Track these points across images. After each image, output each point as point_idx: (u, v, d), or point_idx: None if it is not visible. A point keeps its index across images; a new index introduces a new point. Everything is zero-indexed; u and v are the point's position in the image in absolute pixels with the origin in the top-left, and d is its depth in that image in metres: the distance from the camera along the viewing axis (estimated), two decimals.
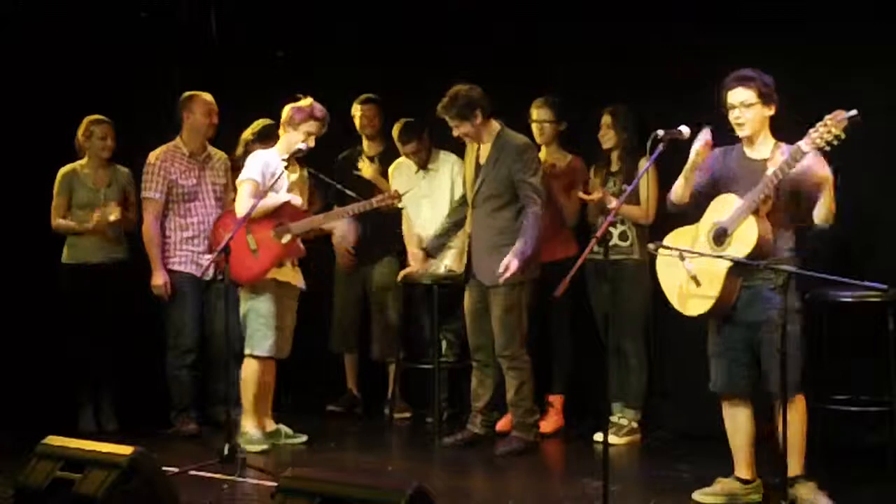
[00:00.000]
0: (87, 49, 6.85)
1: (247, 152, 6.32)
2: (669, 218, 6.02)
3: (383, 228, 6.93)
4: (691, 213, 4.88)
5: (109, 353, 6.62)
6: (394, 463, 5.99)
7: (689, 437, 6.14)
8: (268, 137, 6.56)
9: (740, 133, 4.75)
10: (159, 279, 6.40)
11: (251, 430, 6.03)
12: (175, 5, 7.08)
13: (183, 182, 6.46)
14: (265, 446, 5.91)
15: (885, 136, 5.42)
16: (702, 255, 4.77)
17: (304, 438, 6.25)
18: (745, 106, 4.68)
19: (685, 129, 4.58)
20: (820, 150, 4.35)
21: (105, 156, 6.61)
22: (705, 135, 4.69)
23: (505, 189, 5.89)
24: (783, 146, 4.60)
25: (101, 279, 6.53)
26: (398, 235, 6.89)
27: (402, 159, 6.83)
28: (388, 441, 6.70)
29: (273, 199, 5.94)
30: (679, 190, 4.83)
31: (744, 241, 4.59)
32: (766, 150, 4.70)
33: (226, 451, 5.44)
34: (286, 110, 6.09)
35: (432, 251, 6.40)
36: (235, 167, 6.41)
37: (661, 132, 4.54)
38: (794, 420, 4.64)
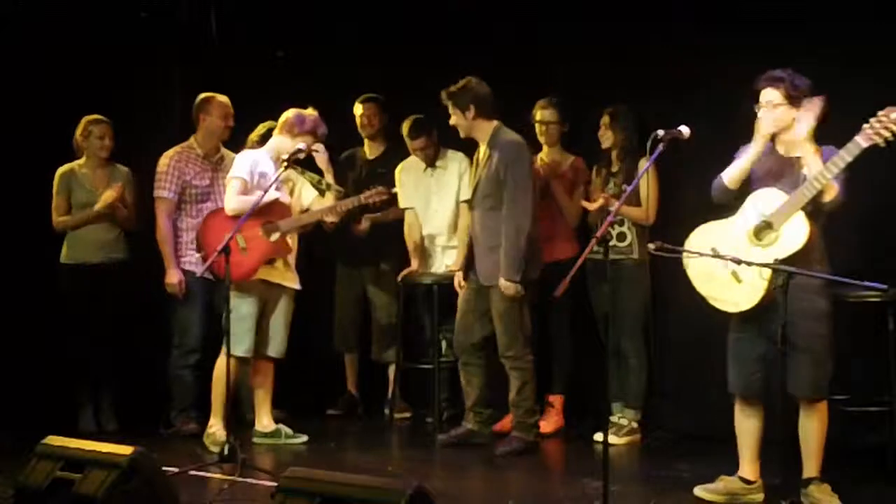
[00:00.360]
0: (87, 49, 6.85)
1: None
2: (670, 218, 6.06)
3: (383, 229, 6.93)
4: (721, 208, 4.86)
5: (109, 353, 6.62)
6: (394, 463, 5.99)
7: (689, 437, 6.15)
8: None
9: (767, 132, 4.73)
10: (174, 277, 6.40)
11: (217, 429, 6.02)
12: (175, 5, 7.07)
13: (197, 183, 6.46)
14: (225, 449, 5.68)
15: None
16: (702, 255, 4.77)
17: (304, 438, 6.25)
18: (771, 106, 4.69)
19: (685, 129, 4.58)
20: (876, 146, 4.35)
21: (103, 155, 6.61)
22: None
23: (498, 188, 5.89)
24: (819, 148, 4.61)
25: (100, 279, 6.53)
26: (398, 237, 6.90)
27: (409, 160, 6.82)
28: (388, 441, 6.70)
29: (260, 198, 5.94)
30: (738, 175, 4.77)
31: (793, 238, 4.56)
32: (798, 149, 4.68)
33: (226, 451, 5.44)
34: (289, 114, 6.08)
35: None
36: None
37: (661, 132, 4.54)
38: (815, 422, 4.68)
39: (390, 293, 6.97)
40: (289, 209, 6.10)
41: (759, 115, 4.74)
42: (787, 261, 4.51)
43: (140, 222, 6.65)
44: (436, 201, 6.72)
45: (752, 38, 5.85)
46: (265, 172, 6.01)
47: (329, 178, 6.28)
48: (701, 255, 4.76)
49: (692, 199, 6.00)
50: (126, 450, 4.13)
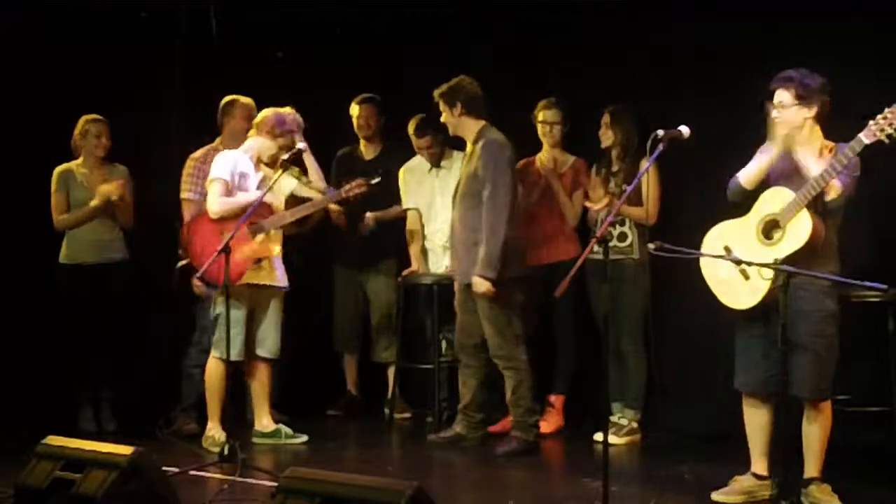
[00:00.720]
0: (87, 49, 6.85)
1: None
2: (671, 218, 6.06)
3: (382, 229, 6.93)
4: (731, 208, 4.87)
5: (109, 353, 6.62)
6: (394, 463, 5.99)
7: (688, 437, 6.15)
8: None
9: (779, 132, 4.73)
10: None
11: (216, 432, 6.02)
12: (175, 5, 7.07)
13: None
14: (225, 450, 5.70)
15: None
16: (702, 255, 4.78)
17: (304, 438, 6.24)
18: (782, 107, 4.70)
19: (685, 129, 4.58)
20: (881, 142, 4.36)
21: (100, 154, 6.61)
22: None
23: (478, 186, 5.91)
24: (832, 144, 4.61)
25: (99, 279, 6.53)
26: (398, 236, 6.90)
27: (413, 160, 6.82)
28: (388, 441, 6.70)
29: (244, 198, 5.94)
30: (756, 176, 4.77)
31: (797, 235, 4.56)
32: (812, 149, 4.68)
33: (226, 451, 5.44)
34: (267, 114, 6.08)
35: None
36: None
37: (661, 132, 4.54)
38: (818, 423, 4.69)
39: (390, 293, 6.97)
40: (271, 208, 6.07)
41: (773, 116, 4.74)
42: (792, 258, 4.51)
43: (138, 222, 6.64)
44: (439, 201, 6.72)
45: (752, 37, 5.85)
46: (245, 173, 6.00)
47: (313, 175, 6.25)
48: (701, 255, 4.76)
49: (694, 199, 6.02)
50: (126, 450, 4.13)
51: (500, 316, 5.93)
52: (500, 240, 5.81)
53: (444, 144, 6.67)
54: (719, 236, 4.85)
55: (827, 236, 4.66)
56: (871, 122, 4.36)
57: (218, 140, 6.53)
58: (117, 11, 6.92)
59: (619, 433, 6.18)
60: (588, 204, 6.31)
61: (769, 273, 4.56)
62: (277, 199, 6.16)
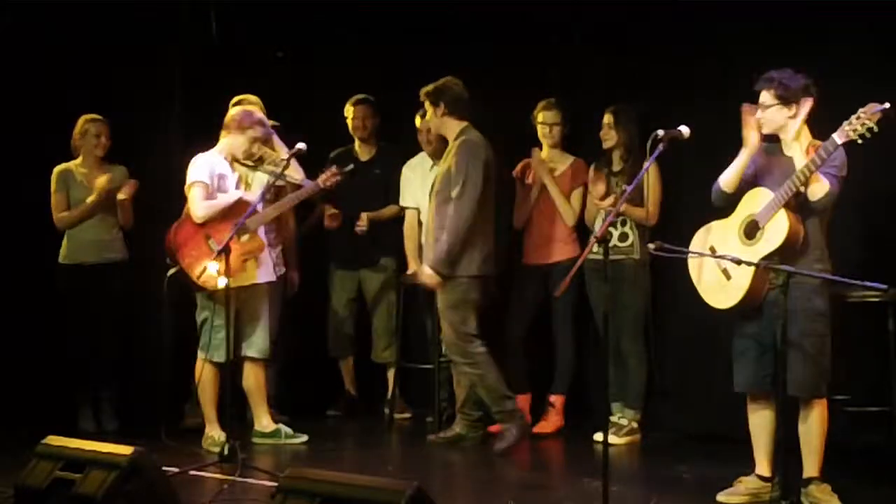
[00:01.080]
0: (87, 49, 6.85)
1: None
2: (672, 218, 6.06)
3: (379, 229, 6.93)
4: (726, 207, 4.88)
5: (109, 353, 6.62)
6: (393, 463, 5.99)
7: (688, 437, 6.15)
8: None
9: (763, 131, 4.77)
10: None
11: (215, 433, 6.02)
12: (175, 5, 7.07)
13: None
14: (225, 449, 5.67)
15: (883, 136, 5.41)
16: (701, 255, 4.79)
17: (304, 438, 6.24)
18: (764, 107, 4.73)
19: (685, 129, 4.59)
20: (853, 142, 4.38)
21: (99, 154, 6.62)
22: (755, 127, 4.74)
23: (446, 185, 5.96)
24: (819, 143, 4.62)
25: (99, 279, 6.54)
26: (396, 236, 6.89)
27: (415, 158, 6.82)
28: (387, 441, 6.70)
29: (226, 199, 5.94)
30: (733, 179, 4.80)
31: (774, 235, 4.59)
32: (798, 148, 4.70)
33: (226, 451, 5.44)
34: (233, 112, 6.06)
35: None
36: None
37: (661, 132, 4.55)
38: (814, 422, 4.69)
39: (390, 293, 6.96)
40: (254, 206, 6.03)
41: (757, 116, 4.75)
42: (773, 257, 4.54)
43: (138, 222, 6.65)
44: None
45: (752, 37, 5.85)
46: (223, 174, 5.99)
47: (289, 169, 6.23)
48: (700, 254, 4.77)
49: (694, 199, 6.01)
50: (126, 450, 4.13)
51: (456, 314, 5.95)
52: (460, 238, 5.83)
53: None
54: (705, 237, 4.90)
55: (813, 235, 4.68)
56: (844, 123, 4.40)
57: None
58: (117, 11, 6.92)
59: (619, 433, 6.18)
60: (597, 203, 6.28)
61: (751, 274, 4.60)
62: (256, 197, 6.12)
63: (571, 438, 6.41)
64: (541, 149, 6.60)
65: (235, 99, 6.49)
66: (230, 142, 6.05)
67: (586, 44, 6.58)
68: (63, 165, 6.62)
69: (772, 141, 4.82)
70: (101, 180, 6.50)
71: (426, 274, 5.91)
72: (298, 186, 6.33)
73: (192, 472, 5.34)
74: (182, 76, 7.10)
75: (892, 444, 5.38)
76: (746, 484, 4.88)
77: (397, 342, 6.89)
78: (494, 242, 6.09)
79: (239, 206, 5.94)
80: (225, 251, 5.47)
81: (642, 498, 5.00)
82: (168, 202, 6.52)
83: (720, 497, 4.86)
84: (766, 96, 4.73)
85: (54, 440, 4.31)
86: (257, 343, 6.14)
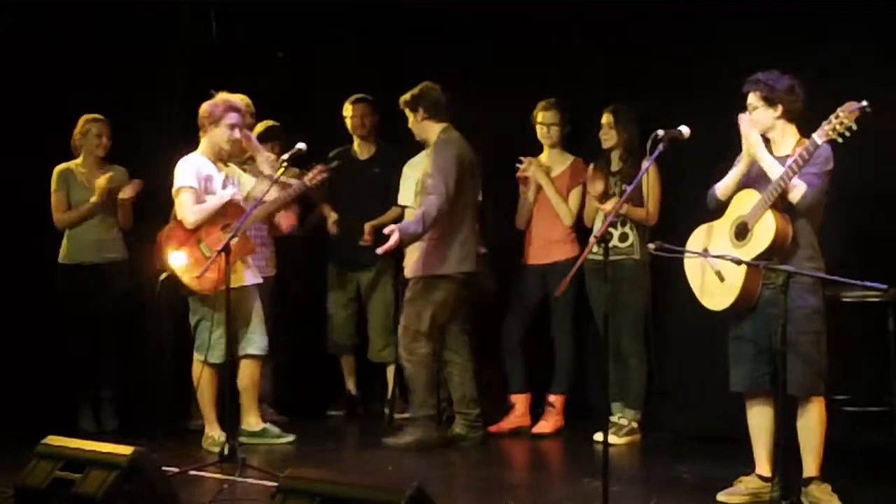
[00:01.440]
0: (87, 49, 6.85)
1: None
2: (672, 218, 6.06)
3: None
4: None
5: (109, 353, 6.62)
6: (394, 463, 5.99)
7: (688, 437, 6.15)
8: (272, 138, 6.58)
9: (745, 135, 4.79)
10: None
11: (214, 433, 6.02)
12: (175, 5, 7.07)
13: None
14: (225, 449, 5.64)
15: (883, 136, 5.42)
16: (700, 255, 4.79)
17: (290, 438, 6.20)
18: (752, 108, 4.77)
19: (685, 129, 4.59)
20: (833, 141, 4.41)
21: (100, 154, 6.62)
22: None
23: (425, 185, 6.02)
24: (807, 142, 4.63)
25: (99, 279, 6.54)
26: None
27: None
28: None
29: (216, 202, 5.93)
30: (730, 187, 4.85)
31: (763, 236, 4.61)
32: (786, 147, 4.74)
33: (226, 451, 5.44)
34: (201, 110, 6.02)
35: None
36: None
37: (661, 132, 4.55)
38: (812, 421, 4.69)
39: (388, 292, 6.96)
40: (242, 208, 6.00)
41: (745, 117, 4.79)
42: (763, 258, 4.55)
43: (137, 222, 6.65)
44: None
45: (752, 37, 5.84)
46: (209, 175, 5.97)
47: (264, 167, 6.21)
48: (700, 255, 4.77)
49: (694, 199, 6.01)
50: (126, 450, 4.13)
51: (412, 307, 6.02)
52: (425, 226, 5.85)
53: None
54: (699, 239, 4.93)
55: (803, 235, 4.68)
56: (824, 123, 4.43)
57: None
58: (117, 11, 6.92)
59: (619, 433, 6.18)
60: (599, 206, 6.27)
61: (743, 276, 4.62)
62: (239, 196, 6.11)
63: (571, 438, 6.41)
64: (541, 149, 6.60)
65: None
66: (210, 139, 6.01)
67: (586, 44, 6.58)
68: (64, 165, 6.62)
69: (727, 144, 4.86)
70: (102, 180, 6.50)
71: (392, 231, 5.81)
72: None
73: (192, 472, 5.34)
74: (182, 76, 7.10)
75: (891, 443, 5.39)
76: (746, 484, 4.88)
77: (396, 341, 6.88)
78: (477, 242, 6.15)
79: (228, 208, 5.93)
80: (225, 250, 5.46)
81: (642, 498, 5.00)
82: (168, 202, 6.51)
83: (720, 497, 4.86)
84: (752, 98, 4.78)
85: (54, 440, 4.31)
86: (256, 340, 6.12)
